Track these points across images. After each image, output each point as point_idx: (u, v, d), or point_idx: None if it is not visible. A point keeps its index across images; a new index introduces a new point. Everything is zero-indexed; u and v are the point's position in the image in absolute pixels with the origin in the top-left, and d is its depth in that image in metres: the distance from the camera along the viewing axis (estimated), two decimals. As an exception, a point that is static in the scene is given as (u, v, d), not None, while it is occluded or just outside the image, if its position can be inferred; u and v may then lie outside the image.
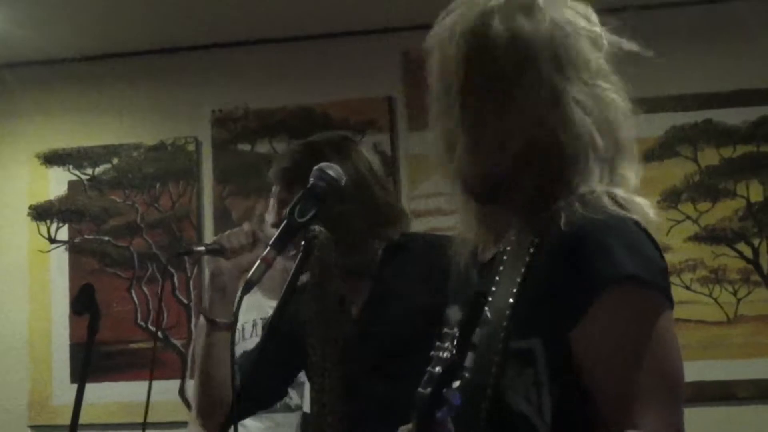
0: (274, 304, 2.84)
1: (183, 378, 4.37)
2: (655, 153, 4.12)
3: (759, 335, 4.01)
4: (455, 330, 1.44)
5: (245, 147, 4.46)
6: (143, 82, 4.55)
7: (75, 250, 4.55)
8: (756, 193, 4.07)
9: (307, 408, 2.90)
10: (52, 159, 4.60)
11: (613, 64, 1.62)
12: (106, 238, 4.54)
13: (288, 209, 1.82)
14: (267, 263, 1.72)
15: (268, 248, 1.72)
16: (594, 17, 1.58)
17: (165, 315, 4.47)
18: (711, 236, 4.07)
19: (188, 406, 4.25)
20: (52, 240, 4.58)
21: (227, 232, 2.23)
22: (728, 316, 4.04)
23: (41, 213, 4.59)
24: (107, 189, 4.57)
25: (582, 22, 1.57)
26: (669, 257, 1.51)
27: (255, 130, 4.46)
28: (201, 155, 4.52)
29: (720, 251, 4.07)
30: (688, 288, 3.98)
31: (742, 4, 4.04)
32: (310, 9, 4.19)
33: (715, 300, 4.04)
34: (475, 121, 1.50)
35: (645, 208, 1.52)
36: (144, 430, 2.18)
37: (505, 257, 1.53)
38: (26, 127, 4.65)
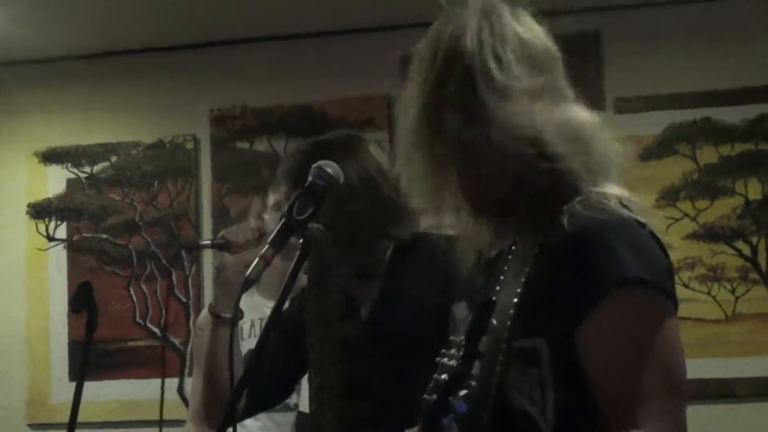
0: (272, 304, 2.84)
1: (181, 376, 4.37)
2: (654, 151, 4.12)
3: (757, 333, 4.01)
4: (462, 338, 1.44)
5: (244, 145, 4.46)
6: (141, 81, 4.55)
7: (73, 248, 4.55)
8: (754, 191, 4.07)
9: (303, 407, 2.89)
10: (50, 157, 4.60)
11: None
12: (105, 236, 4.54)
13: (286, 207, 1.82)
14: (265, 261, 1.72)
15: (267, 246, 1.72)
16: (538, 29, 1.58)
17: (163, 313, 4.47)
18: (709, 234, 4.07)
19: (187, 404, 4.25)
20: (50, 238, 4.58)
21: (233, 227, 2.23)
22: (726, 314, 4.04)
23: (40, 211, 4.59)
24: (106, 187, 4.57)
25: (540, 32, 1.57)
26: (668, 252, 1.51)
27: (253, 128, 4.46)
28: (199, 153, 4.52)
29: (718, 249, 4.07)
30: (686, 286, 3.98)
31: (741, 3, 4.04)
32: (309, 7, 4.19)
33: (714, 298, 4.04)
34: (467, 143, 1.50)
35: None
36: (161, 429, 2.18)
37: (509, 257, 1.53)
38: (25, 126, 4.65)
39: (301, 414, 2.92)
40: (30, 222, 4.59)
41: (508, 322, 1.46)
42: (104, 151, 4.57)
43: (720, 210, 4.08)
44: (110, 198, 4.56)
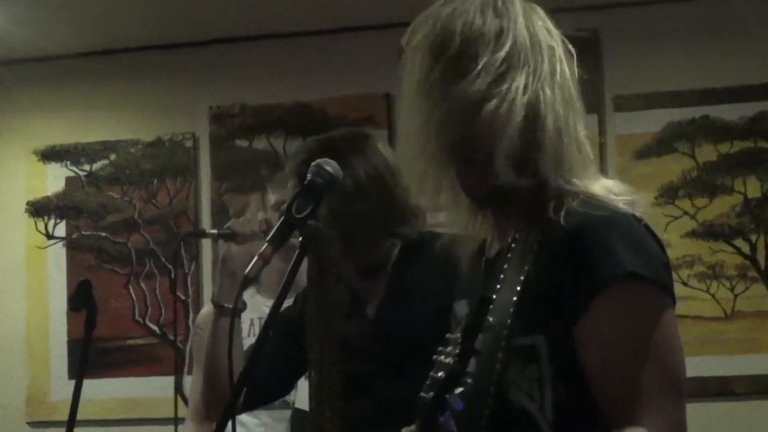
0: (271, 303, 2.83)
1: (180, 374, 4.36)
2: (653, 149, 4.12)
3: (756, 331, 4.01)
4: (458, 335, 1.44)
5: (243, 143, 4.46)
6: (141, 79, 4.55)
7: (72, 246, 4.55)
8: (753, 189, 4.07)
9: (299, 404, 2.89)
10: (49, 155, 4.60)
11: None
12: (104, 234, 4.54)
13: (285, 205, 1.81)
14: (264, 259, 1.72)
15: (266, 245, 1.72)
16: (548, 22, 1.57)
17: (162, 311, 4.47)
18: (708, 232, 4.08)
19: (186, 402, 4.25)
20: (49, 236, 4.58)
21: (240, 218, 2.22)
22: (725, 312, 4.04)
23: (39, 209, 4.59)
24: (105, 185, 4.57)
25: (541, 24, 1.56)
26: (665, 247, 1.51)
27: (252, 126, 4.45)
28: (198, 151, 4.52)
29: (717, 247, 4.07)
30: (685, 284, 3.98)
31: (740, 1, 4.04)
32: (308, 5, 4.18)
33: (713, 296, 4.04)
34: (461, 132, 1.49)
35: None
36: (176, 426, 2.18)
37: (509, 254, 1.53)
38: (24, 124, 4.64)
39: (296, 410, 2.92)
40: (29, 220, 4.59)
41: (508, 320, 1.46)
42: (103, 149, 4.57)
43: (719, 208, 4.08)
44: (109, 196, 4.56)
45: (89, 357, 2.58)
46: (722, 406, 3.97)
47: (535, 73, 1.50)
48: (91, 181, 4.57)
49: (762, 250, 4.05)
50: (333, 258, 2.24)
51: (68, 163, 4.59)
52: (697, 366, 3.83)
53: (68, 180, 4.59)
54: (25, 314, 4.54)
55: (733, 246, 4.07)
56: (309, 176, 1.77)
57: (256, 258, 1.72)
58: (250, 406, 2.36)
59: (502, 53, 1.49)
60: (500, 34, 1.50)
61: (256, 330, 3.15)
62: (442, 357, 1.43)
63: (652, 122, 4.13)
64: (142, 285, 4.48)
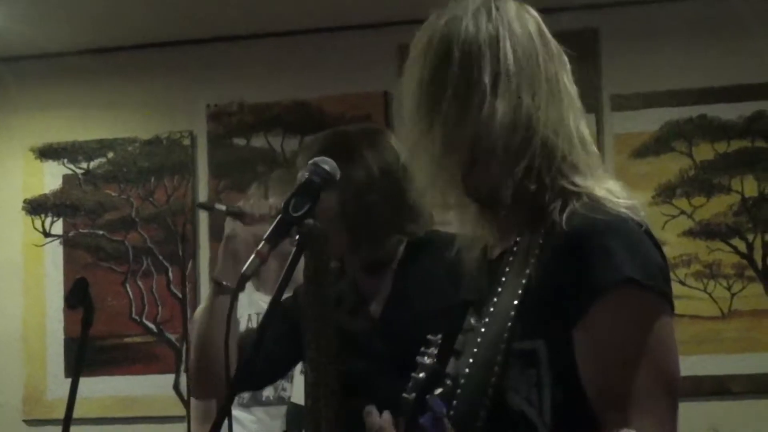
0: (268, 299, 2.83)
1: (177, 372, 4.37)
2: (650, 148, 4.12)
3: (753, 330, 4.01)
4: (438, 336, 1.44)
5: (241, 141, 4.46)
6: (138, 77, 4.54)
7: (70, 244, 4.55)
8: (750, 188, 4.07)
9: (295, 398, 2.89)
10: (46, 153, 4.60)
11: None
12: (101, 232, 4.53)
13: (282, 204, 1.81)
14: (261, 258, 1.72)
15: (262, 243, 1.72)
16: (542, 25, 1.57)
17: (159, 309, 4.47)
18: (705, 231, 4.08)
19: (183, 400, 4.25)
20: (46, 234, 4.58)
21: (251, 200, 2.21)
22: (722, 311, 4.04)
23: (36, 207, 4.58)
24: (102, 183, 4.56)
25: (533, 27, 1.56)
26: (664, 252, 1.51)
27: (250, 124, 4.45)
28: (196, 149, 4.52)
29: (714, 246, 4.07)
30: (682, 283, 3.98)
31: (738, 0, 4.05)
32: (306, 3, 4.18)
33: (710, 295, 4.05)
34: (464, 142, 1.49)
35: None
36: (188, 424, 2.17)
37: (510, 258, 1.53)
38: (21, 122, 4.64)
39: (292, 405, 2.92)
40: (26, 218, 4.58)
41: (509, 323, 1.46)
42: (101, 147, 4.57)
43: (716, 207, 4.08)
44: (107, 194, 4.56)
45: (86, 355, 2.58)
46: (719, 405, 3.98)
47: (533, 77, 1.50)
48: (89, 179, 4.57)
49: (759, 249, 4.05)
50: (330, 256, 2.24)
51: (65, 161, 4.59)
52: (693, 365, 3.83)
53: (65, 178, 4.59)
54: (22, 312, 4.54)
55: (730, 245, 4.07)
56: (306, 174, 1.77)
57: (252, 256, 1.72)
58: (239, 389, 2.34)
59: (499, 61, 1.49)
60: (495, 41, 1.50)
61: (254, 325, 3.16)
62: (423, 358, 1.43)
63: (649, 121, 4.13)
64: (139, 283, 4.48)
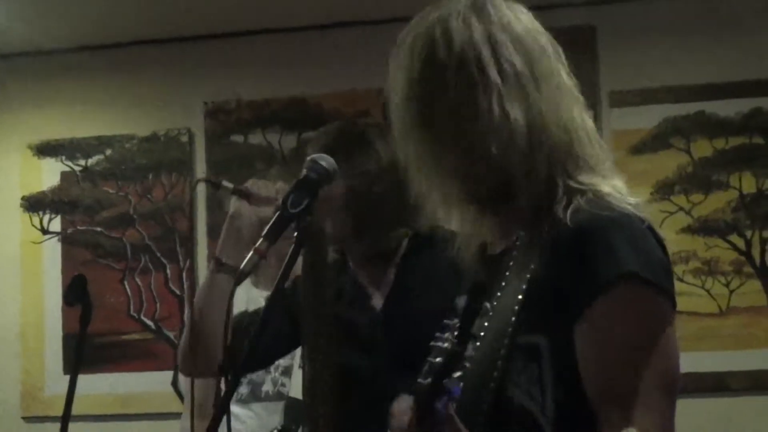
0: (266, 295, 2.84)
1: (176, 369, 4.36)
2: (648, 145, 4.12)
3: (751, 327, 4.01)
4: (455, 321, 1.44)
5: (238, 138, 4.46)
6: (136, 74, 4.54)
7: (68, 241, 4.54)
8: (749, 185, 4.07)
9: (293, 393, 2.90)
10: (44, 150, 4.59)
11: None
12: (99, 229, 4.53)
13: (280, 200, 1.81)
14: (259, 254, 1.72)
15: (261, 240, 1.72)
16: (532, 21, 1.56)
17: (157, 306, 4.46)
18: (704, 228, 4.08)
19: (181, 397, 4.25)
20: (44, 231, 4.57)
21: (260, 181, 2.21)
22: (721, 308, 4.05)
23: (34, 204, 4.58)
24: (100, 180, 4.56)
25: (529, 24, 1.54)
26: (667, 249, 1.52)
27: (248, 121, 4.45)
28: (194, 146, 4.52)
29: (713, 243, 4.07)
30: (680, 280, 3.98)
31: (736, -4, 4.06)
32: (304, 0, 4.18)
33: (708, 291, 4.05)
34: (456, 134, 1.49)
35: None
36: (192, 419, 2.16)
37: (514, 252, 1.53)
38: (19, 118, 4.64)
39: (290, 400, 2.92)
40: (24, 215, 4.58)
41: (512, 317, 1.46)
42: (99, 144, 4.56)
43: (714, 204, 4.08)
44: (105, 191, 4.55)
45: (84, 352, 2.58)
46: (717, 402, 3.98)
47: (538, 75, 1.50)
48: (87, 176, 4.57)
49: (757, 245, 4.05)
50: (327, 252, 2.24)
51: (63, 157, 4.59)
52: (692, 362, 3.83)
53: (63, 175, 4.58)
54: (20, 309, 4.54)
55: (729, 242, 4.07)
56: (304, 171, 1.77)
57: (251, 253, 1.72)
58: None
59: (501, 60, 1.48)
60: (494, 40, 1.49)
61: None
62: (440, 343, 1.42)
63: (647, 118, 4.13)
64: (138, 280, 4.48)
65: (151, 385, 4.37)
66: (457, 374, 1.38)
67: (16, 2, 4.11)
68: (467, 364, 1.41)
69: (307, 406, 2.18)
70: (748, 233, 4.07)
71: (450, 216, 1.58)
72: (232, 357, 1.96)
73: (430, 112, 1.50)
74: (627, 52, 4.17)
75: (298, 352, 2.83)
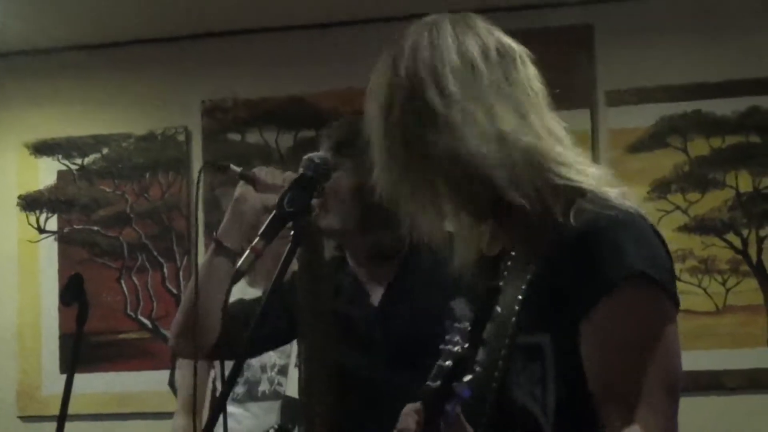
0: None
1: (173, 368, 4.36)
2: (645, 143, 4.13)
3: (748, 325, 4.02)
4: (466, 324, 1.44)
5: (235, 137, 4.46)
6: (133, 72, 4.54)
7: (64, 240, 4.54)
8: (745, 184, 4.08)
9: (289, 392, 2.89)
10: (41, 149, 4.59)
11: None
12: (96, 228, 4.53)
13: (278, 199, 1.81)
14: (256, 253, 1.72)
15: (257, 238, 1.72)
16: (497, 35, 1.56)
17: (154, 305, 4.46)
18: (700, 226, 4.08)
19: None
20: (41, 230, 4.57)
21: (268, 168, 2.21)
22: (717, 306, 4.05)
23: (30, 203, 4.58)
24: (97, 179, 4.56)
25: (492, 41, 1.55)
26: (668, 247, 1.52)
27: (245, 120, 4.45)
28: (191, 145, 4.52)
29: (709, 241, 4.08)
30: (677, 278, 3.97)
31: (732, -5, 4.06)
32: (300, -1, 4.19)
33: (704, 290, 4.05)
34: (435, 162, 1.49)
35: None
36: (194, 415, 2.15)
37: (513, 253, 1.53)
38: (15, 117, 4.63)
39: (287, 398, 2.92)
40: (21, 214, 4.58)
41: (513, 318, 1.46)
42: (95, 142, 4.56)
43: (711, 202, 4.09)
44: (101, 190, 4.55)
45: (81, 351, 2.57)
46: (713, 400, 3.98)
47: (479, 93, 1.50)
48: (83, 175, 4.57)
49: (754, 244, 4.06)
50: (324, 251, 2.23)
51: (60, 156, 4.58)
52: (688, 360, 3.77)
53: (60, 174, 4.58)
54: (17, 308, 4.53)
55: (725, 240, 4.07)
56: (301, 170, 1.78)
57: (248, 251, 1.72)
58: (220, 355, 2.31)
59: (442, 89, 1.49)
60: (435, 70, 1.50)
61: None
62: (449, 346, 1.42)
63: (644, 117, 4.13)
64: (134, 279, 4.48)
65: (148, 384, 4.37)
66: (467, 378, 1.38)
67: (14, 1, 4.11)
68: (477, 368, 1.41)
69: (304, 405, 2.17)
70: (745, 232, 4.07)
71: (444, 227, 1.57)
72: (227, 341, 1.96)
73: (395, 147, 1.52)
74: (624, 51, 4.17)
75: (294, 351, 2.84)
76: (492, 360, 1.46)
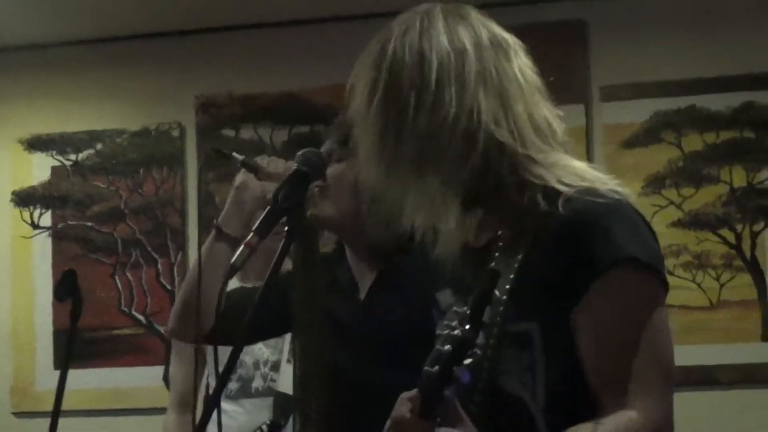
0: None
1: (167, 364, 4.36)
2: (639, 138, 4.13)
3: (741, 320, 4.02)
4: (465, 308, 1.45)
5: (229, 133, 4.45)
6: (127, 68, 4.53)
7: (58, 236, 4.53)
8: (739, 179, 4.08)
9: (282, 388, 2.89)
10: (35, 144, 4.58)
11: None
12: (90, 224, 4.52)
13: (272, 194, 1.81)
14: (250, 248, 1.72)
15: (251, 234, 1.72)
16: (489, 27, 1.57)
17: (148, 301, 4.46)
18: (694, 222, 4.09)
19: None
20: (35, 226, 4.56)
21: (271, 157, 2.22)
22: (711, 301, 4.05)
23: (24, 199, 4.57)
24: (91, 175, 4.55)
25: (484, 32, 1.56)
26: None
27: (239, 115, 4.44)
28: (185, 141, 4.51)
29: (703, 237, 4.08)
30: (671, 273, 3.99)
31: (726, -9, 4.06)
32: (295, -6, 4.18)
33: (698, 285, 4.06)
34: (423, 152, 1.50)
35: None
36: (193, 414, 2.15)
37: (500, 243, 1.53)
38: (9, 113, 4.62)
39: (279, 394, 2.91)
40: (14, 210, 4.57)
41: (500, 307, 1.47)
42: (89, 138, 4.55)
43: (705, 197, 4.09)
44: (95, 186, 4.54)
45: (75, 347, 2.57)
46: (707, 396, 3.99)
47: (465, 83, 1.50)
48: (77, 171, 4.56)
49: (747, 239, 4.06)
50: (318, 247, 2.23)
51: (54, 152, 4.57)
52: (682, 355, 3.78)
53: (54, 169, 4.57)
54: (11, 304, 4.53)
55: (719, 236, 4.08)
56: (295, 165, 1.78)
57: (241, 247, 1.72)
58: (215, 340, 2.32)
59: (423, 74, 1.50)
60: (421, 57, 1.51)
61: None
62: (448, 331, 1.43)
63: (638, 112, 4.13)
64: (128, 275, 4.47)
65: (142, 380, 4.36)
66: (467, 362, 1.38)
67: (6, -4, 4.11)
68: (477, 351, 1.42)
69: (299, 401, 2.17)
70: (739, 227, 4.07)
71: (433, 217, 1.58)
72: (225, 327, 1.97)
73: (384, 123, 1.52)
74: (618, 46, 4.17)
75: (286, 346, 2.84)
76: (479, 349, 1.46)
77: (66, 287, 2.50)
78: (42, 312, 4.48)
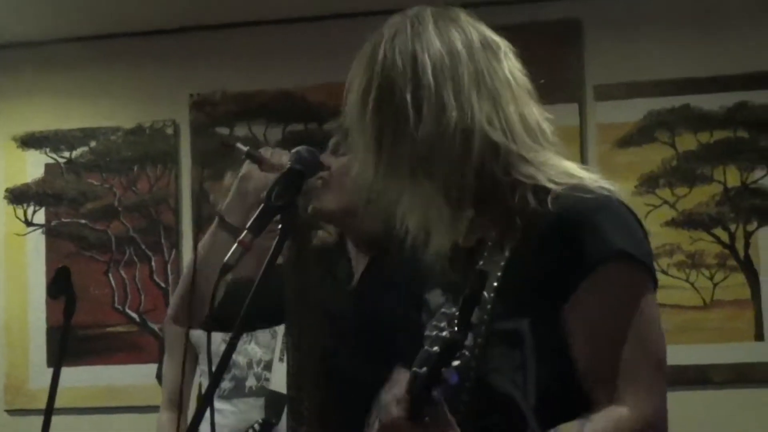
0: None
1: (160, 362, 4.35)
2: (633, 138, 4.13)
3: (735, 320, 4.03)
4: (454, 310, 1.45)
5: (224, 130, 4.45)
6: (121, 65, 4.52)
7: (52, 233, 4.53)
8: (733, 179, 4.09)
9: (274, 386, 2.89)
10: (29, 142, 4.57)
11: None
12: (83, 221, 4.52)
13: (265, 193, 1.81)
14: (244, 246, 1.72)
15: (245, 232, 1.72)
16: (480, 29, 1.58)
17: (142, 299, 4.45)
18: (688, 221, 4.09)
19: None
20: (28, 223, 4.56)
21: (275, 149, 2.22)
22: (704, 301, 4.06)
23: (18, 196, 4.56)
24: (84, 172, 4.54)
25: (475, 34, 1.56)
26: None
27: (233, 113, 4.44)
28: (179, 139, 4.51)
29: (697, 236, 4.09)
30: (664, 273, 3.99)
31: (721, -10, 4.06)
32: (289, -8, 4.18)
33: (692, 285, 4.06)
34: (416, 155, 1.50)
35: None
36: (179, 412, 2.15)
37: (489, 242, 1.54)
38: (3, 110, 4.62)
39: (272, 393, 2.91)
40: (8, 207, 4.56)
41: (488, 305, 1.47)
42: (83, 136, 4.55)
43: (699, 197, 4.10)
44: (89, 183, 4.54)
45: (68, 344, 2.57)
46: (700, 395, 3.99)
47: (459, 85, 1.51)
48: (71, 168, 4.55)
49: (741, 239, 4.07)
50: (311, 244, 2.23)
51: (48, 149, 4.57)
52: (675, 354, 3.81)
53: (48, 167, 4.56)
54: (4, 302, 4.52)
55: (713, 235, 4.08)
56: (288, 163, 1.78)
57: (235, 245, 1.72)
58: (211, 327, 2.31)
59: (418, 77, 1.51)
60: (414, 60, 1.52)
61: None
62: (436, 332, 1.43)
63: (632, 111, 4.14)
64: (122, 272, 4.47)
65: (136, 378, 4.36)
66: (456, 363, 1.38)
67: (0, -7, 4.10)
68: (466, 353, 1.42)
69: (290, 398, 2.17)
70: (732, 227, 4.08)
71: (426, 220, 1.58)
72: (222, 315, 1.97)
73: (372, 135, 1.54)
74: (612, 45, 4.17)
75: (278, 345, 2.84)
76: (473, 346, 1.46)
77: (59, 285, 2.49)
78: (35, 309, 4.47)
